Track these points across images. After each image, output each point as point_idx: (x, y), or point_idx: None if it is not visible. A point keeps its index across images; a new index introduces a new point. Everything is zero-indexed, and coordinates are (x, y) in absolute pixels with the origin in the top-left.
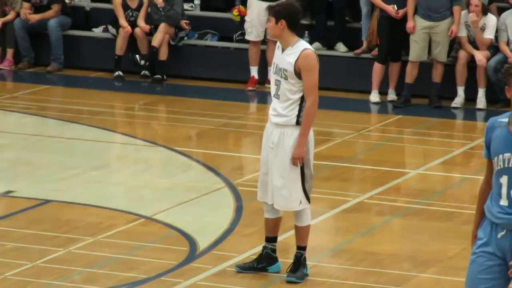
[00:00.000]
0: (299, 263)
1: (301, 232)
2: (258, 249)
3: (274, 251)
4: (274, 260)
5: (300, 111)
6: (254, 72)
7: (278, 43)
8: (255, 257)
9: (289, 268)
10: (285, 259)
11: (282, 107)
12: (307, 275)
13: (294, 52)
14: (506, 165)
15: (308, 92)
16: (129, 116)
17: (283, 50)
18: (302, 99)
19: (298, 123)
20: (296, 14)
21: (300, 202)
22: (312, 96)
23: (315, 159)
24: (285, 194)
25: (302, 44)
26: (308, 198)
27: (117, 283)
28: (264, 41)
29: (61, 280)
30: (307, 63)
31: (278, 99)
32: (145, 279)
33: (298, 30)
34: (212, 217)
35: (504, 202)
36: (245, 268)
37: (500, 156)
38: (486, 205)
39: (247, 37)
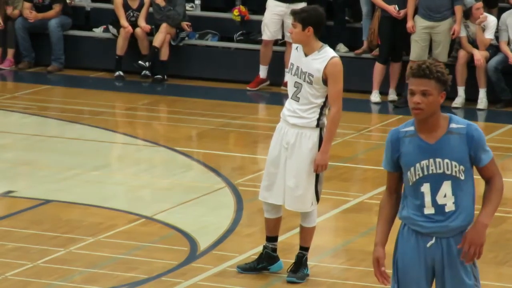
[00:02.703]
0: (300, 263)
1: (306, 233)
2: (259, 249)
3: (274, 250)
4: (275, 259)
5: (320, 114)
6: (262, 71)
7: (296, 45)
8: (256, 257)
9: (290, 268)
10: (287, 259)
11: (302, 109)
12: (307, 275)
13: (322, 58)
14: (426, 173)
15: (334, 100)
16: (129, 116)
17: (306, 54)
18: (324, 103)
19: (317, 125)
20: (322, 19)
21: (312, 203)
22: (337, 103)
23: None
24: (299, 195)
25: (329, 51)
26: (318, 199)
27: (118, 283)
28: (275, 42)
29: (62, 280)
30: (335, 70)
31: (297, 101)
32: (145, 279)
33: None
34: (213, 217)
35: (429, 210)
36: (246, 269)
37: (417, 165)
38: (404, 217)
39: (263, 37)
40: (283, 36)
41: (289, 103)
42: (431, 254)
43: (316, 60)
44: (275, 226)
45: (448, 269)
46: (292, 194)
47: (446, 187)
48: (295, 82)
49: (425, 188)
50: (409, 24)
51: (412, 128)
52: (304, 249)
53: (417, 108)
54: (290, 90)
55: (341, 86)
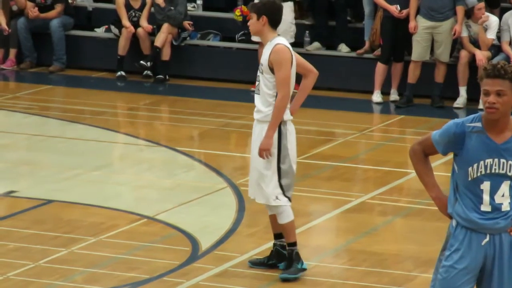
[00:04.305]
0: (291, 259)
1: (284, 229)
2: (261, 249)
3: (283, 247)
4: (284, 257)
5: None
6: None
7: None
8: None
9: (283, 266)
10: None
11: (260, 103)
12: (303, 269)
13: (270, 47)
14: (488, 171)
15: (278, 86)
16: (131, 116)
17: (264, 45)
18: (277, 95)
19: None
20: (277, 11)
21: (277, 198)
22: (282, 90)
23: (316, 159)
24: (260, 188)
25: (277, 39)
26: (286, 195)
27: (119, 283)
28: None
29: (63, 280)
30: (277, 57)
31: (258, 94)
32: (147, 279)
33: (277, 26)
34: (215, 217)
35: (486, 208)
36: (256, 264)
37: (481, 162)
38: (457, 213)
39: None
40: None
41: (255, 98)
42: (484, 251)
43: (267, 50)
44: (272, 222)
45: (498, 265)
46: (256, 186)
47: (505, 187)
48: (257, 75)
49: (485, 186)
50: (412, 24)
51: (479, 124)
52: (290, 244)
53: (492, 107)
54: (256, 84)
55: (286, 72)
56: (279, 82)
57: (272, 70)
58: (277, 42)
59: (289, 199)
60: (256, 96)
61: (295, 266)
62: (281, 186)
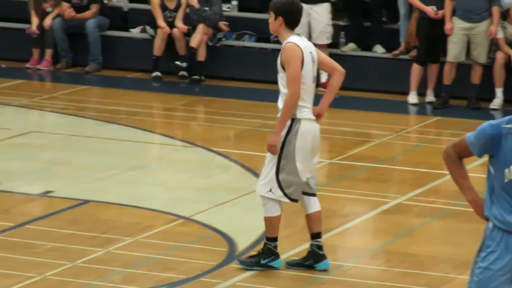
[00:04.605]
0: (263, 251)
1: (264, 222)
2: (298, 250)
3: (319, 247)
4: (321, 257)
5: None
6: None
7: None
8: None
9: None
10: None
11: (280, 101)
12: (264, 265)
13: (282, 47)
14: None
15: (287, 84)
16: (166, 117)
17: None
18: None
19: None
20: (294, 12)
21: (270, 190)
22: (291, 87)
23: (353, 160)
24: (260, 179)
25: (288, 39)
26: (283, 192)
27: (156, 284)
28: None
29: (100, 280)
30: (286, 55)
31: (280, 93)
32: (184, 279)
33: (296, 27)
34: (251, 218)
35: None
36: (293, 265)
37: None
38: (494, 215)
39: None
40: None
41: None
42: None
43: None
44: (314, 222)
45: None
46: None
47: None
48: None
49: None
50: (448, 26)
51: None
52: (267, 238)
53: None
54: None
55: (294, 70)
56: (288, 80)
57: (284, 68)
58: (288, 41)
59: (289, 197)
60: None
61: (257, 259)
62: (278, 181)
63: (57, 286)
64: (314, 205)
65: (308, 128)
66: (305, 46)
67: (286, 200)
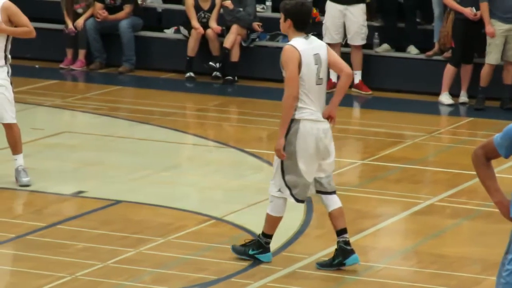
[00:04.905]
0: (253, 242)
1: (266, 219)
2: (329, 250)
3: (346, 243)
4: (349, 252)
5: None
6: (333, 75)
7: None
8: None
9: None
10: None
11: None
12: (251, 256)
13: None
14: None
15: (284, 86)
16: (200, 117)
17: None
18: None
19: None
20: (303, 15)
21: (279, 190)
22: (286, 89)
23: (385, 161)
24: (272, 177)
25: (291, 41)
26: (292, 193)
27: (187, 284)
28: (347, 44)
29: (132, 281)
30: (283, 57)
31: None
32: (215, 280)
33: (305, 29)
34: (283, 219)
35: None
36: (323, 265)
37: None
38: None
39: (324, 41)
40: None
41: None
42: None
43: None
44: (337, 218)
45: None
46: None
47: None
48: None
49: None
50: (491, 29)
51: None
52: (262, 233)
53: None
54: None
55: (290, 72)
56: (285, 82)
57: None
58: (288, 43)
59: (295, 198)
60: None
61: (246, 249)
62: (284, 181)
63: (88, 286)
64: (333, 202)
65: (309, 128)
66: (307, 48)
67: (292, 200)
